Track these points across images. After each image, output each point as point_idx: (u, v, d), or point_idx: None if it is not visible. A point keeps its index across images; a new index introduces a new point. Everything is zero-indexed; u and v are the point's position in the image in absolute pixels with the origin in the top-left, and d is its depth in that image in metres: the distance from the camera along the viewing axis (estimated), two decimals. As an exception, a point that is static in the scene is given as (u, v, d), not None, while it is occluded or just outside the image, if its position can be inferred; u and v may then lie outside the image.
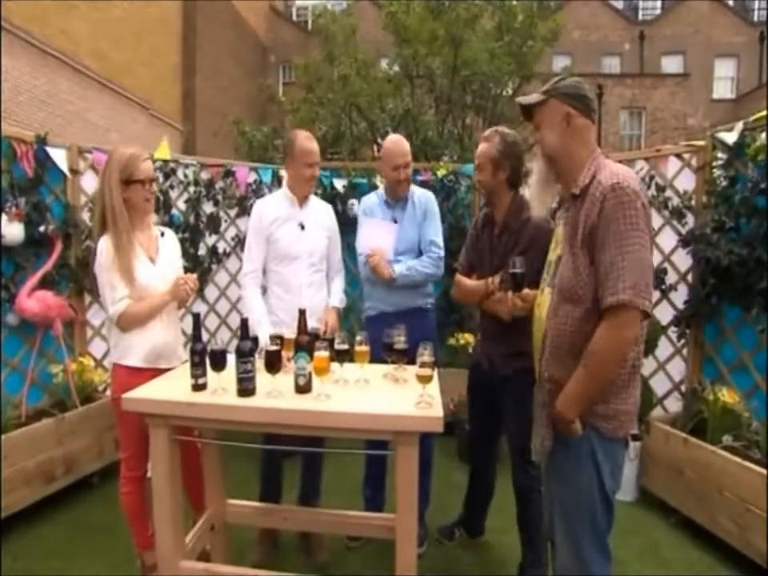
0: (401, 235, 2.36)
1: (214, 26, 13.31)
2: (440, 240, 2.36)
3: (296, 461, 2.48)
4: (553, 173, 1.48)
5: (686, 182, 2.98)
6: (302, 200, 2.32)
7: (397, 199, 2.42)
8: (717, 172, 2.78)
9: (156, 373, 1.91)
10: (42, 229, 2.90)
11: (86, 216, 3.20)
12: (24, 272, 2.83)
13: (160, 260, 2.01)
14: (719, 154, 2.77)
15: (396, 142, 2.40)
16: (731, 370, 2.75)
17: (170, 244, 2.10)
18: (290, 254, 2.26)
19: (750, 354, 2.65)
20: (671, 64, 17.48)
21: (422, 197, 2.43)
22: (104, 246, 1.88)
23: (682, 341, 2.99)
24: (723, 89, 17.72)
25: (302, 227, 2.29)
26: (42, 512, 2.60)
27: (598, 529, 1.40)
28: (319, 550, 2.33)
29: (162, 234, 2.08)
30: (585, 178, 1.38)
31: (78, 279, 3.14)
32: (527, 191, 1.80)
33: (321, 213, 2.39)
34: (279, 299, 2.28)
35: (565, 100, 1.41)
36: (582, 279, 1.35)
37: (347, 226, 3.93)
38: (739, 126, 2.67)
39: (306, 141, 2.26)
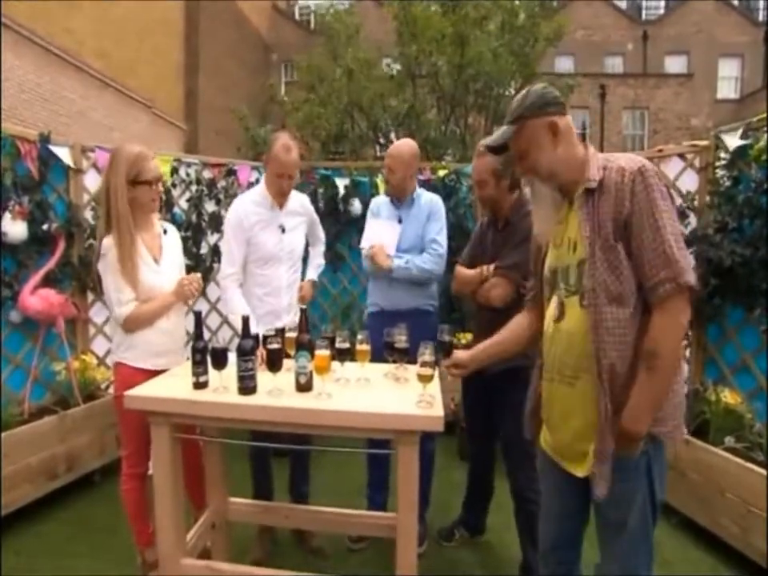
0: (404, 234, 2.37)
1: (217, 26, 13.33)
2: (442, 239, 2.36)
3: (288, 460, 2.48)
4: (556, 188, 1.36)
5: (689, 182, 2.96)
6: (281, 202, 2.27)
7: (401, 199, 2.43)
8: (720, 172, 2.76)
9: (158, 372, 1.91)
10: (45, 227, 2.91)
11: (88, 214, 3.21)
12: (27, 270, 2.84)
13: (164, 260, 2.01)
14: (722, 155, 2.76)
15: (393, 145, 2.47)
16: (734, 372, 2.74)
17: (172, 242, 2.10)
18: (274, 256, 2.26)
19: (753, 355, 2.64)
20: (675, 64, 17.43)
21: (429, 200, 2.44)
22: (109, 246, 1.87)
23: (685, 341, 2.98)
24: (727, 89, 17.66)
25: (283, 230, 2.27)
26: (43, 509, 2.61)
27: (650, 540, 1.34)
28: (310, 535, 2.36)
29: (165, 232, 2.08)
30: (595, 170, 1.29)
31: (80, 277, 3.15)
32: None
33: (296, 211, 2.35)
34: (260, 300, 2.26)
35: (542, 113, 1.33)
36: (623, 276, 1.24)
37: (348, 224, 3.97)
38: (741, 127, 2.65)
39: (282, 150, 2.13)
